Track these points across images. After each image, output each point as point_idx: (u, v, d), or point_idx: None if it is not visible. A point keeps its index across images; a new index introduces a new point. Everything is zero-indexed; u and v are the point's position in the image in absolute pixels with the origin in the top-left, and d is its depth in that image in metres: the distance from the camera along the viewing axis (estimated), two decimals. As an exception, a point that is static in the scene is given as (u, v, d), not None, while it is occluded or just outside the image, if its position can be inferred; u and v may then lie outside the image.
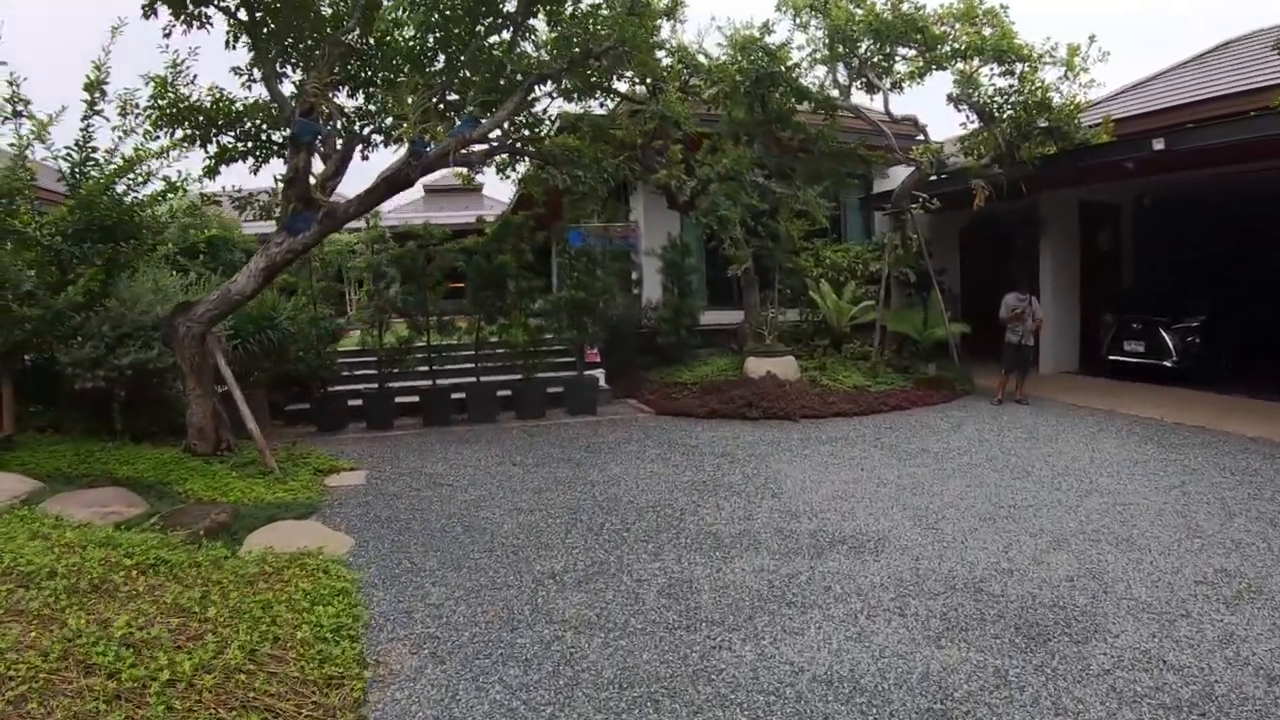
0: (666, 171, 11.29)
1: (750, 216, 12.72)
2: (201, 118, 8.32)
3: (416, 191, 40.19)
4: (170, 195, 9.27)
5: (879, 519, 6.25)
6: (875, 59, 13.04)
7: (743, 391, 11.09)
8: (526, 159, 11.33)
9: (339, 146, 7.84)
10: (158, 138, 8.57)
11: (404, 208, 33.01)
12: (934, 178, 13.37)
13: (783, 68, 11.69)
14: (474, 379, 11.36)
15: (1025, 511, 6.37)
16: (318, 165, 7.77)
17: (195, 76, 8.10)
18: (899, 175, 17.55)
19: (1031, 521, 6.11)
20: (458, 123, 7.45)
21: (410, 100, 6.95)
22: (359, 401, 11.15)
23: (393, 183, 7.80)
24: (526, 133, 8.88)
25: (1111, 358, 13.36)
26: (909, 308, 14.67)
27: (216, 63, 8.85)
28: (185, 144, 8.45)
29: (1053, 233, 14.40)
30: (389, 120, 7.92)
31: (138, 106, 8.11)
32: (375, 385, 11.32)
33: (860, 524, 6.13)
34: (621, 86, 11.53)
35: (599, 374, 12.39)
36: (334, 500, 7.31)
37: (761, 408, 10.72)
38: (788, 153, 13.62)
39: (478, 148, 8.23)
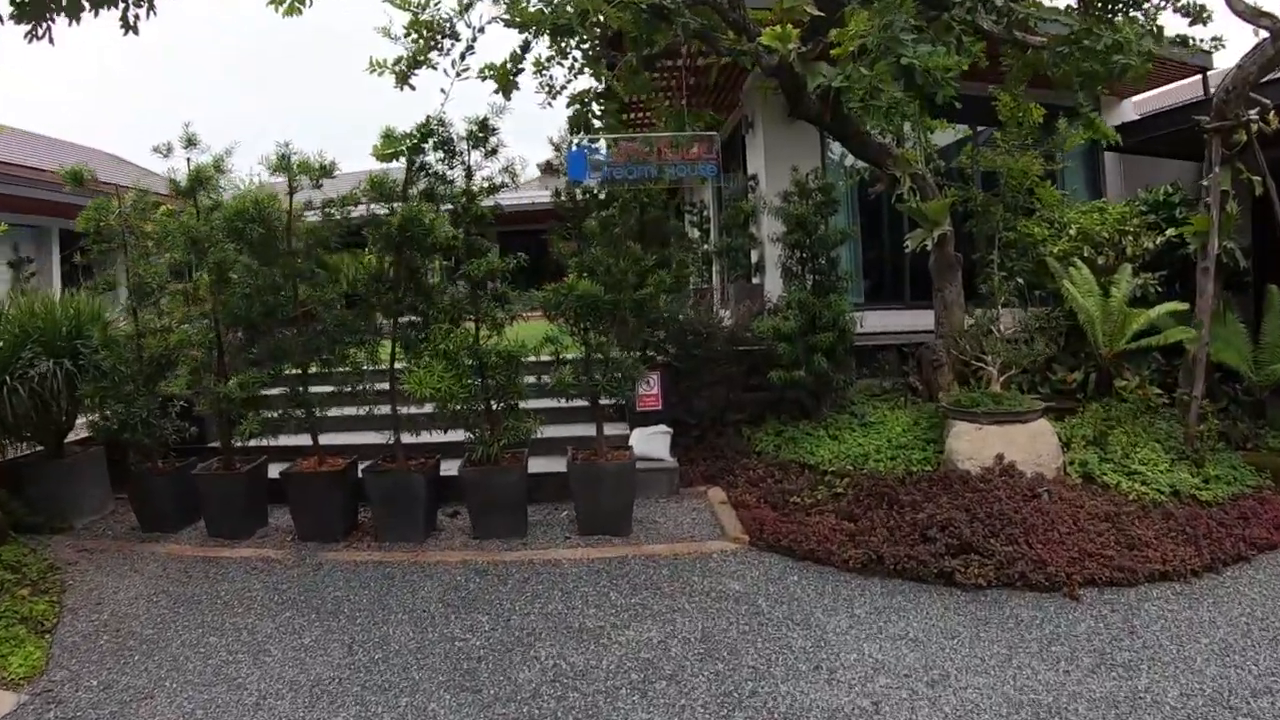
0: (775, 29, 5.20)
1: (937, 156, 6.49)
2: None
3: (531, 170, 35.94)
4: None
5: None
6: None
7: (945, 507, 4.93)
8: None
9: None
10: None
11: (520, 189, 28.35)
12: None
13: None
14: (394, 447, 5.85)
15: None
16: None
17: None
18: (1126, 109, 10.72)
19: None
20: None
21: None
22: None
23: None
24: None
25: None
26: (1220, 316, 7.80)
27: None
28: None
29: None
30: None
31: None
32: (248, 456, 6.10)
33: None
34: None
35: (656, 436, 6.55)
36: None
37: (990, 555, 4.54)
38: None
39: None
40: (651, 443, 6.52)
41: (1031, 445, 5.58)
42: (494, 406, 5.50)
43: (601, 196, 5.45)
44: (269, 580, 5.11)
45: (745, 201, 9.19)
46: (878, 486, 5.38)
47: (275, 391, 6.10)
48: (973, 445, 5.49)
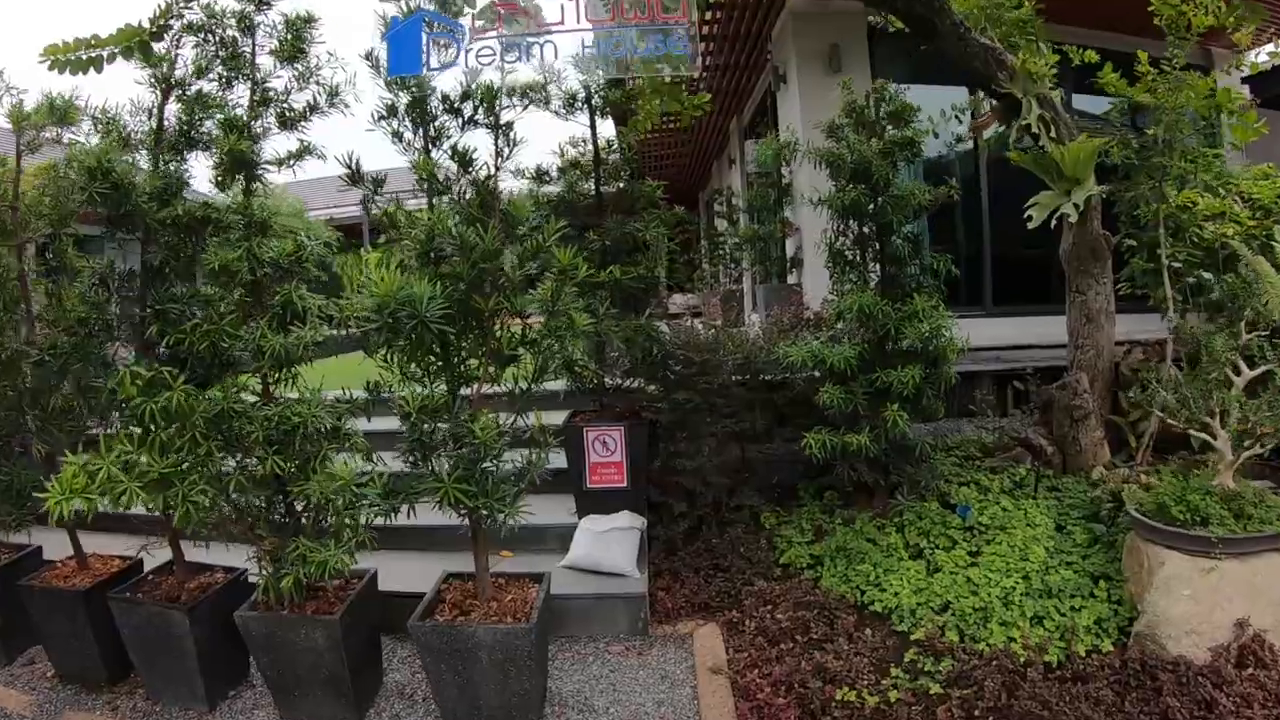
0: None
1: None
2: None
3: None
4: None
5: None
6: None
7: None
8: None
9: None
10: None
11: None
12: None
13: None
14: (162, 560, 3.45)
15: None
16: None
17: None
18: None
19: None
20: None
21: None
22: None
23: None
24: None
25: None
26: None
27: None
28: None
29: None
30: None
31: None
32: None
33: None
34: None
35: (615, 535, 3.98)
36: None
37: None
38: None
39: None
40: (606, 546, 3.94)
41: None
42: (285, 508, 3.00)
43: (468, 111, 2.82)
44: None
45: (769, 142, 6.50)
46: (1013, 688, 2.67)
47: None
48: (1198, 604, 2.78)
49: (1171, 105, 5.04)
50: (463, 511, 2.55)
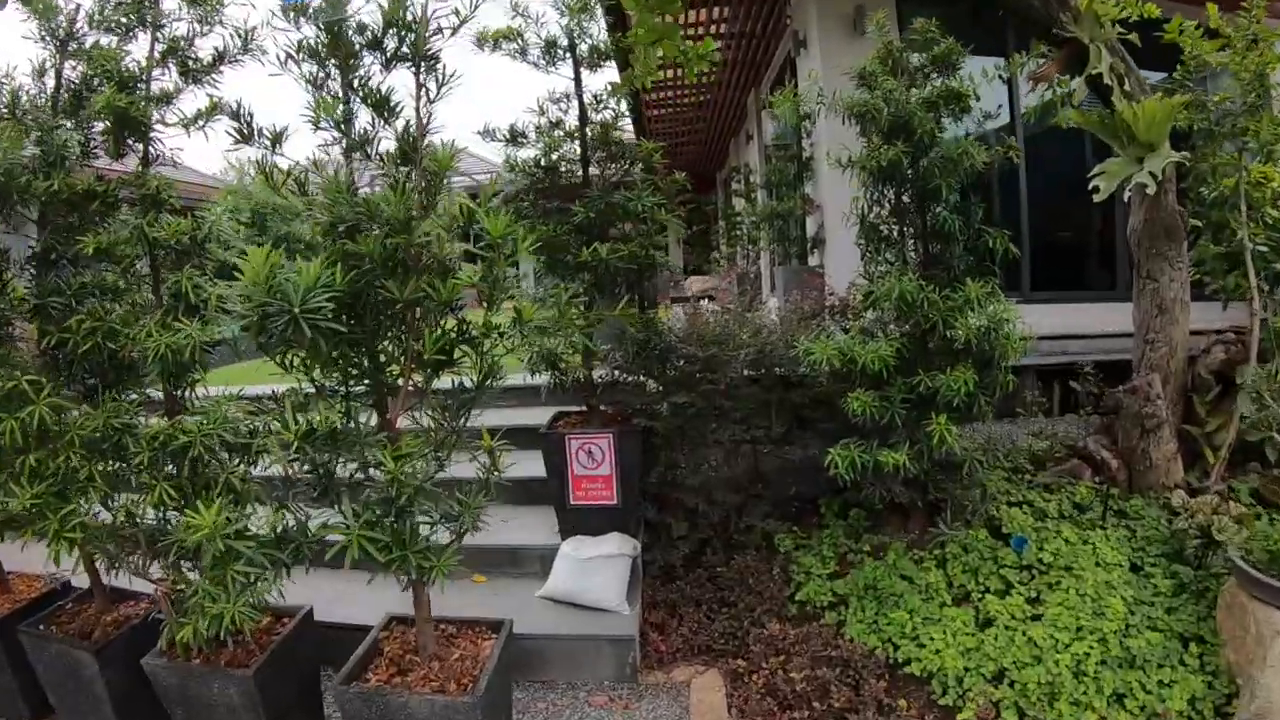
0: None
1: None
2: None
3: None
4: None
5: None
6: None
7: None
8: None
9: None
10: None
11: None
12: None
13: None
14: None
15: None
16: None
17: None
18: None
19: None
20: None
21: None
22: None
23: None
24: None
25: None
26: None
27: None
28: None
29: None
30: None
31: None
32: None
33: None
34: None
35: (600, 564, 3.41)
36: None
37: None
38: None
39: None
40: (591, 577, 3.38)
41: None
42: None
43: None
44: None
45: (787, 95, 5.82)
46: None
47: None
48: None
49: (1255, 65, 4.33)
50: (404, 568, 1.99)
